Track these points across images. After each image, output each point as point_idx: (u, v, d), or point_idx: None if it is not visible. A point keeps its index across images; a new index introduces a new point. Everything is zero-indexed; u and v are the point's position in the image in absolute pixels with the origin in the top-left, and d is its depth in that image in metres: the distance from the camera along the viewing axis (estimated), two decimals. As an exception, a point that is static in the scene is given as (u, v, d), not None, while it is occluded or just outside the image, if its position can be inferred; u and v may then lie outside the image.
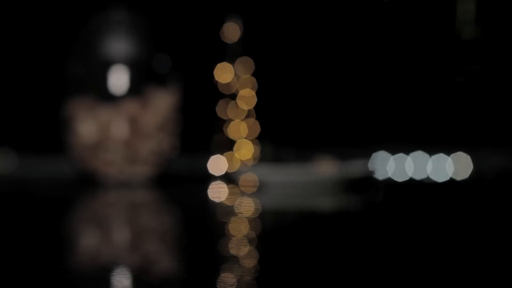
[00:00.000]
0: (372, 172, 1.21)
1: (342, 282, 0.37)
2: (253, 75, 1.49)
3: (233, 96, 1.49)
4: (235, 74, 1.47)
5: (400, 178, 2.12)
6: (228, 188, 1.03)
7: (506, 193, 0.94)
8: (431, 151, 2.49)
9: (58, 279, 0.37)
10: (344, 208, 0.81)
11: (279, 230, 0.60)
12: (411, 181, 1.94)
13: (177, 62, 1.40)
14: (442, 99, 1.79)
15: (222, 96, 1.44)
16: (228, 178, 1.25)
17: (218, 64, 1.46)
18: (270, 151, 1.35)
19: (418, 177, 2.02)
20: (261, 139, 1.45)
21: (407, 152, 2.52)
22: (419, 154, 2.47)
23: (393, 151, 2.52)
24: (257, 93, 1.50)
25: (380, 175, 2.21)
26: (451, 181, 1.68)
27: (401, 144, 2.57)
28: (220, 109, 1.44)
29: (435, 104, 1.79)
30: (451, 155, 2.41)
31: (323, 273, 0.40)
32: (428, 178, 2.07)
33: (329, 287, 0.36)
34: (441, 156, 2.41)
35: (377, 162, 1.77)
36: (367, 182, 1.06)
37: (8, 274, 0.36)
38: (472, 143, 2.41)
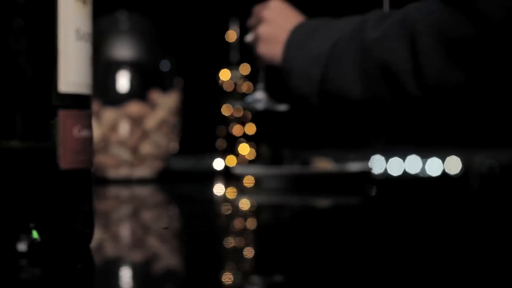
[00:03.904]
0: (370, 169, 1.21)
1: (342, 279, 0.37)
2: (253, 75, 1.49)
3: (235, 97, 1.48)
4: (237, 76, 1.47)
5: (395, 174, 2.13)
6: (228, 187, 1.03)
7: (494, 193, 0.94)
8: (425, 155, 2.49)
9: (60, 276, 0.37)
10: (342, 203, 0.81)
11: (278, 226, 0.60)
12: (405, 177, 1.95)
13: (181, 64, 1.40)
14: (436, 102, 1.79)
15: (224, 97, 1.44)
16: (228, 177, 1.26)
17: (222, 67, 1.46)
18: (268, 153, 1.34)
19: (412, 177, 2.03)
20: (261, 140, 1.44)
21: (402, 156, 2.52)
22: (413, 158, 2.48)
23: (388, 155, 2.52)
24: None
25: (376, 172, 2.21)
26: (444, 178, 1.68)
27: (396, 147, 2.57)
28: (223, 110, 1.44)
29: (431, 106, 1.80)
30: (446, 160, 2.42)
31: (323, 269, 0.40)
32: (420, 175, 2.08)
33: (330, 285, 0.36)
34: (434, 160, 2.42)
35: (373, 165, 1.77)
36: (364, 178, 1.06)
37: (13, 270, 0.36)
38: (466, 146, 2.41)
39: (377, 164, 2.51)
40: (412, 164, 2.46)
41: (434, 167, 2.40)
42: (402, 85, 0.68)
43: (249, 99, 0.86)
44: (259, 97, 0.86)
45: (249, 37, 0.85)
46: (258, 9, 0.83)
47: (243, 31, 1.52)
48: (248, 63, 1.49)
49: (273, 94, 0.80)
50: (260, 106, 0.85)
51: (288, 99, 0.80)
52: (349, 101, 0.72)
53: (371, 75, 0.70)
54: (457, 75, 0.65)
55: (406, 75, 0.68)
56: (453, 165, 2.30)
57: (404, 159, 2.47)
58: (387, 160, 2.46)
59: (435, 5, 0.67)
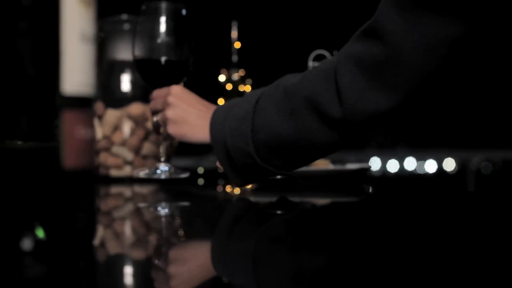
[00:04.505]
0: (368, 167, 1.21)
1: (344, 276, 0.38)
2: (250, 76, 1.49)
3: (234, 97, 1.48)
4: (236, 76, 1.47)
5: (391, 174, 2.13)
6: (229, 185, 1.04)
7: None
8: (421, 157, 2.49)
9: (63, 271, 0.37)
10: (340, 201, 0.81)
11: (279, 223, 0.60)
12: (403, 174, 1.95)
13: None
14: (432, 104, 1.79)
15: (224, 97, 1.45)
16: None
17: (223, 68, 1.46)
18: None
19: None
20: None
21: (399, 158, 2.52)
22: (410, 160, 2.48)
23: (385, 157, 2.52)
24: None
25: (374, 169, 2.20)
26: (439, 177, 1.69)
27: (393, 149, 2.56)
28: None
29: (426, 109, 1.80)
30: (441, 161, 2.42)
31: (324, 266, 0.40)
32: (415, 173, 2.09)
33: (331, 282, 0.37)
34: (430, 162, 2.42)
35: (371, 166, 1.78)
36: (362, 175, 1.06)
37: (18, 268, 0.36)
38: (460, 147, 2.40)
39: (375, 164, 2.50)
40: (409, 165, 2.46)
41: (430, 167, 2.40)
42: (328, 111, 0.76)
43: (156, 170, 0.93)
44: (163, 168, 0.93)
45: (155, 118, 0.95)
46: (159, 94, 0.93)
47: (242, 33, 1.52)
48: (246, 64, 1.49)
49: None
50: (163, 176, 0.91)
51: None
52: (282, 142, 0.80)
53: (299, 111, 0.79)
54: (378, 96, 0.73)
55: (330, 102, 0.76)
56: (448, 165, 2.30)
57: (400, 161, 2.47)
58: (385, 162, 2.46)
59: (349, 43, 0.77)
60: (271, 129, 0.80)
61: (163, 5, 0.94)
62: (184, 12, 0.94)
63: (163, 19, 0.93)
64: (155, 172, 0.93)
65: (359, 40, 0.75)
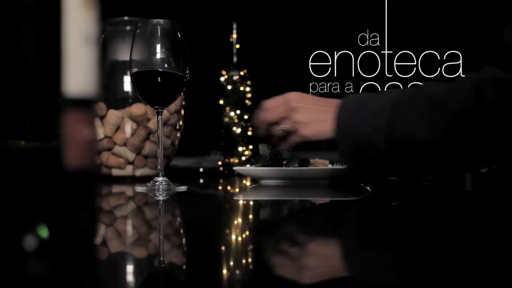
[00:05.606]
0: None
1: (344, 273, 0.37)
2: (250, 77, 1.49)
3: (237, 99, 1.48)
4: (236, 77, 1.47)
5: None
6: (229, 185, 1.03)
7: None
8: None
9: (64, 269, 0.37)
10: (339, 199, 0.81)
11: (279, 221, 0.60)
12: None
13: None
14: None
15: (225, 97, 1.45)
16: (229, 176, 1.26)
17: (223, 69, 1.46)
18: (268, 153, 1.33)
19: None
20: (262, 140, 1.44)
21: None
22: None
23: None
24: (254, 96, 1.50)
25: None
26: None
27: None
28: (224, 112, 1.44)
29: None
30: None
31: (324, 262, 0.40)
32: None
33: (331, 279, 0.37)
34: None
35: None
36: (360, 174, 1.07)
37: (21, 266, 0.36)
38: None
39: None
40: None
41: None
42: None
43: (155, 183, 0.94)
44: (161, 180, 0.94)
45: (278, 129, 0.94)
46: (274, 103, 0.94)
47: (241, 35, 1.52)
48: (246, 65, 1.49)
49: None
50: (160, 194, 0.90)
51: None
52: (417, 145, 0.79)
53: (441, 120, 0.78)
54: None
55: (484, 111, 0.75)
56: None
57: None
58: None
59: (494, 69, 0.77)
60: (409, 133, 0.80)
61: (159, 27, 0.94)
62: (179, 34, 0.95)
63: (158, 40, 0.94)
64: (153, 187, 0.94)
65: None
